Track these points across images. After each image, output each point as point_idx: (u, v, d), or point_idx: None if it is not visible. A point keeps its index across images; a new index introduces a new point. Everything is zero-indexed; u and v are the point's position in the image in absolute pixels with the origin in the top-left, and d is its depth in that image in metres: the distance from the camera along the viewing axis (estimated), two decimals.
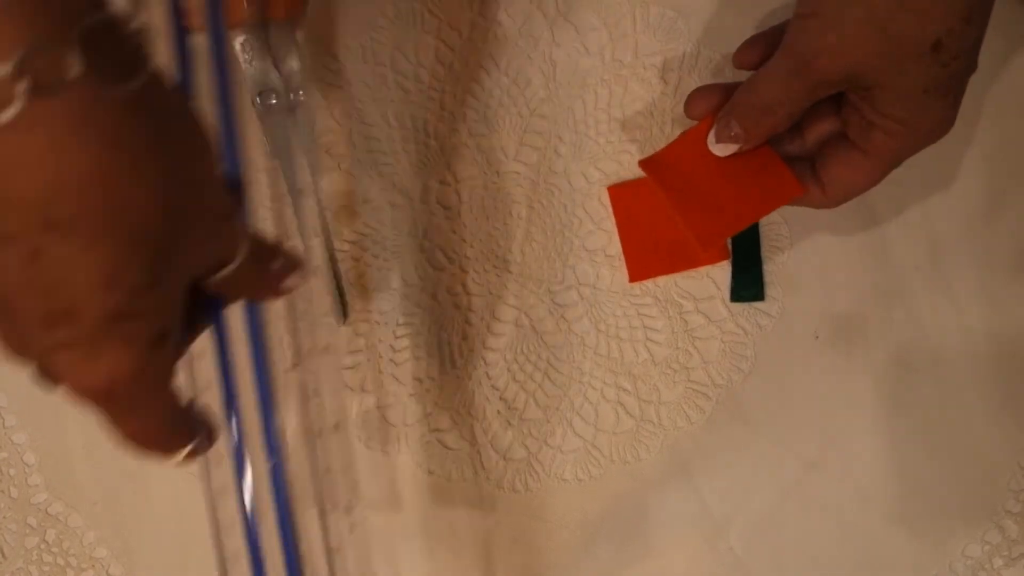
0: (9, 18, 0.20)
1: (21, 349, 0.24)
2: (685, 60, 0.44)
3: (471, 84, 0.44)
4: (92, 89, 0.21)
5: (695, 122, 0.41)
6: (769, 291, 0.44)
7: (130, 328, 0.23)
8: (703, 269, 0.44)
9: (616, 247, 0.45)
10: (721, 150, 0.38)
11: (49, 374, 0.24)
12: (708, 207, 0.40)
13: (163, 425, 0.26)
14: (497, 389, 0.45)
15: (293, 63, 0.42)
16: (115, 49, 0.22)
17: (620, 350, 0.45)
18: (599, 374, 0.45)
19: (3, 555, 0.46)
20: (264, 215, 0.45)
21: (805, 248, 0.44)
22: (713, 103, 0.39)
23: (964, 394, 0.44)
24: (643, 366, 0.45)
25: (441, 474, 0.45)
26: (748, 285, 0.44)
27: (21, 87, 0.20)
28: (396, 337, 0.45)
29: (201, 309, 0.29)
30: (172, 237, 0.24)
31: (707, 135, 0.39)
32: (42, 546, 0.46)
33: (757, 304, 0.45)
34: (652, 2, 0.44)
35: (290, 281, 0.31)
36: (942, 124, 0.34)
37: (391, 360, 0.45)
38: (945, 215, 0.44)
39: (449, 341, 0.45)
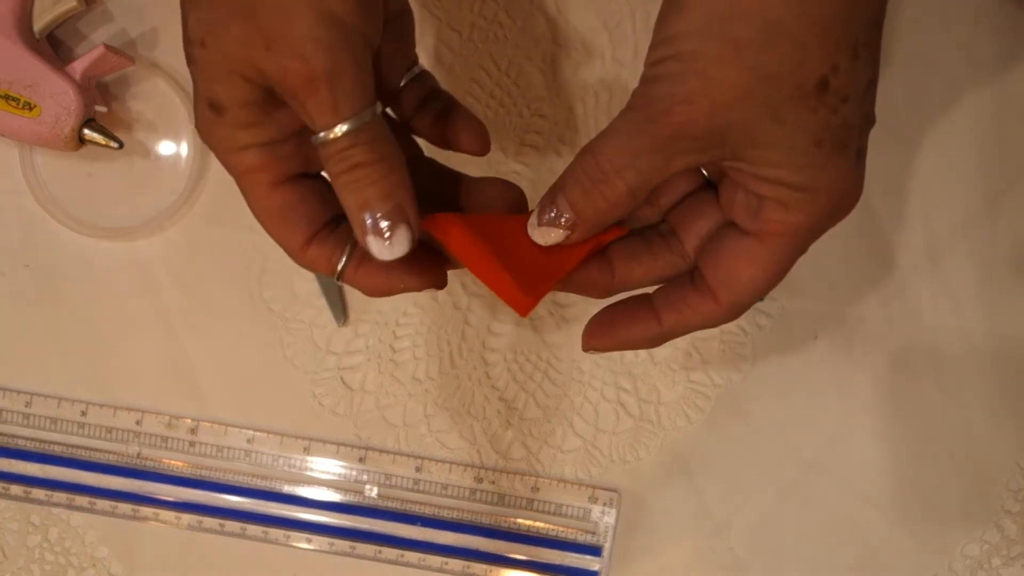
0: None
1: None
2: None
3: (471, 84, 0.44)
4: None
5: None
6: None
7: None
8: None
9: None
10: (542, 237, 0.29)
11: None
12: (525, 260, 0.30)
13: None
14: (497, 389, 0.45)
15: None
16: None
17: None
18: (599, 374, 0.45)
19: (4, 554, 0.46)
20: None
21: None
22: None
23: (964, 394, 0.44)
24: (643, 366, 0.45)
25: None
26: None
27: None
28: (396, 337, 0.45)
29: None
30: None
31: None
32: (44, 545, 0.46)
33: (757, 304, 0.44)
34: (652, 2, 0.44)
35: (468, 142, 0.33)
36: (849, 187, 0.27)
37: (391, 360, 0.45)
38: (945, 215, 0.44)
39: (449, 341, 0.45)
